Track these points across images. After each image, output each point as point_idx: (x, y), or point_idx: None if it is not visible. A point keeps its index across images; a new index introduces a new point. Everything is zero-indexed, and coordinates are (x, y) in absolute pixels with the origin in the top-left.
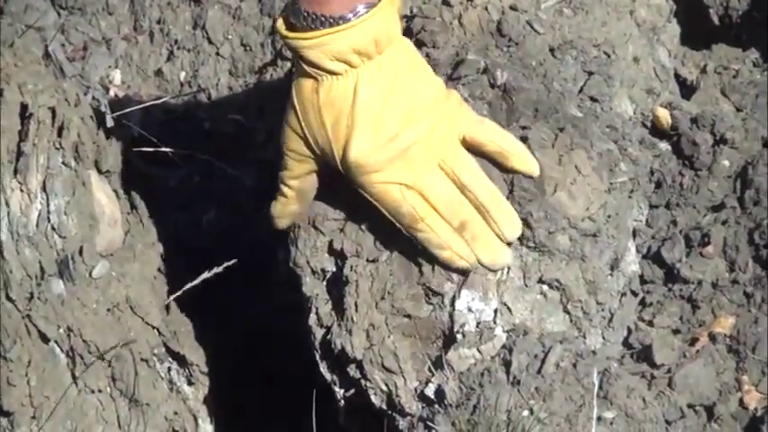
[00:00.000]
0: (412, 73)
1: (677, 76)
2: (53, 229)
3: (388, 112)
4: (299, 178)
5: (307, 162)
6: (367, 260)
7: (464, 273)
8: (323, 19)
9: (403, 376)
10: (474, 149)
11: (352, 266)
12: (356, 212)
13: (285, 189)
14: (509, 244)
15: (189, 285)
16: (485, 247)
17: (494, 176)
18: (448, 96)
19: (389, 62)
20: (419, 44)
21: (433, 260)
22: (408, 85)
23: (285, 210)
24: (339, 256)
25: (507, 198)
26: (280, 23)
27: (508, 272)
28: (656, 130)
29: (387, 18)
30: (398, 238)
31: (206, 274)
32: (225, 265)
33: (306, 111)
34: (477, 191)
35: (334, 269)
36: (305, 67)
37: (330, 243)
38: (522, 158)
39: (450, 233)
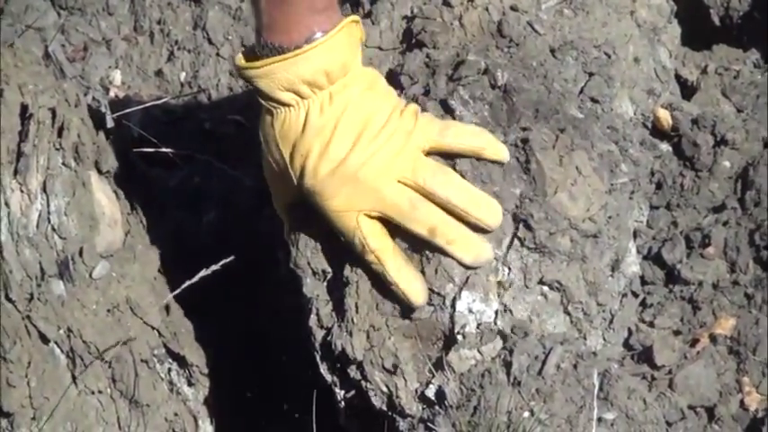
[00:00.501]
0: (364, 100)
1: (678, 76)
2: (53, 229)
3: (336, 139)
4: (287, 205)
5: (286, 191)
6: None
7: (465, 274)
8: (280, 49)
9: (403, 377)
10: (446, 155)
11: (352, 267)
12: None
13: (282, 216)
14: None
15: (188, 283)
16: (463, 247)
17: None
18: (402, 114)
19: (341, 93)
20: (419, 45)
21: (435, 257)
22: (359, 112)
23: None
24: (339, 257)
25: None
26: (239, 57)
27: (509, 273)
28: (657, 131)
29: (339, 48)
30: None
31: (204, 272)
32: (222, 262)
33: (268, 143)
34: (447, 194)
35: (335, 270)
36: (260, 100)
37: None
38: (493, 150)
39: (403, 268)
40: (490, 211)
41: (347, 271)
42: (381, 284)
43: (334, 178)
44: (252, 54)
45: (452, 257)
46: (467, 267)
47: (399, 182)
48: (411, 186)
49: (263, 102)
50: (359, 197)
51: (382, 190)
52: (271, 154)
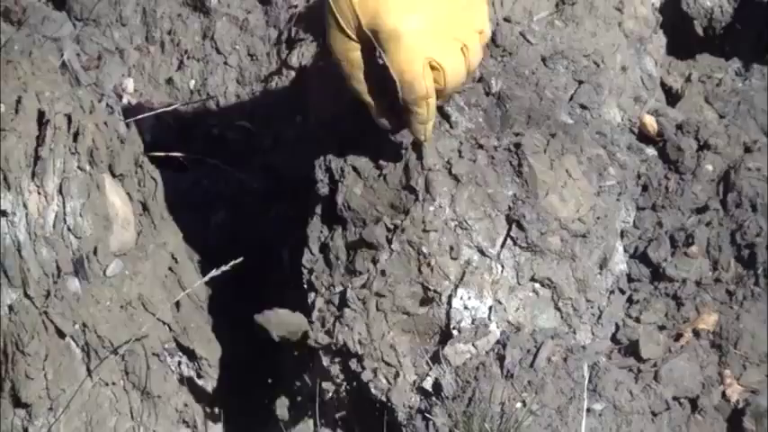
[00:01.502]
0: None
1: (663, 84)
2: (69, 229)
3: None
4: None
5: (347, 44)
6: (370, 260)
7: (460, 272)
8: None
9: (402, 370)
10: None
11: (354, 267)
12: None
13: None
14: None
15: (198, 283)
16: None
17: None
18: None
19: None
20: None
21: (432, 257)
22: None
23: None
24: (343, 255)
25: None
26: None
27: (502, 271)
28: (643, 136)
29: None
30: (398, 237)
31: (214, 272)
32: (232, 263)
33: (342, 10)
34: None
35: (340, 270)
36: None
37: (343, 242)
38: None
39: (432, 114)
40: None
41: (350, 269)
42: (382, 281)
43: (413, 21)
44: None
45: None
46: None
47: (461, 50)
48: (465, 57)
49: None
50: (430, 47)
51: (449, 51)
52: (345, 19)
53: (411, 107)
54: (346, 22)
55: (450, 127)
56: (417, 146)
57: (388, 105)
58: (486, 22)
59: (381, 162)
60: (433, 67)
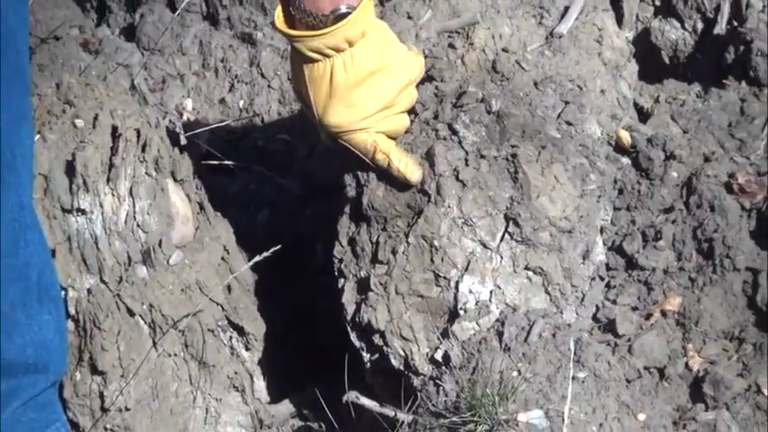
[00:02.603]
0: (379, 58)
1: (636, 104)
2: (138, 226)
3: (356, 93)
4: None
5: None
6: (391, 252)
7: (466, 262)
8: (310, 14)
9: (417, 344)
10: None
11: (377, 257)
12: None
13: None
14: None
15: (245, 267)
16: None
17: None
18: (411, 61)
19: (361, 53)
20: (430, 78)
21: (442, 248)
22: (376, 73)
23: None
24: (367, 247)
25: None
26: (278, 14)
27: (501, 261)
28: (619, 148)
29: (360, 20)
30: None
31: (258, 257)
32: (272, 250)
33: (297, 80)
34: None
35: (365, 259)
36: (293, 51)
37: (368, 236)
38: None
39: (403, 157)
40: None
41: (373, 259)
42: (400, 269)
43: (351, 122)
44: (287, 10)
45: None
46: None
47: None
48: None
49: (294, 53)
50: (371, 126)
51: (392, 120)
52: (298, 86)
53: (376, 163)
54: (302, 97)
55: (458, 140)
56: (430, 156)
57: None
58: (415, 70)
59: None
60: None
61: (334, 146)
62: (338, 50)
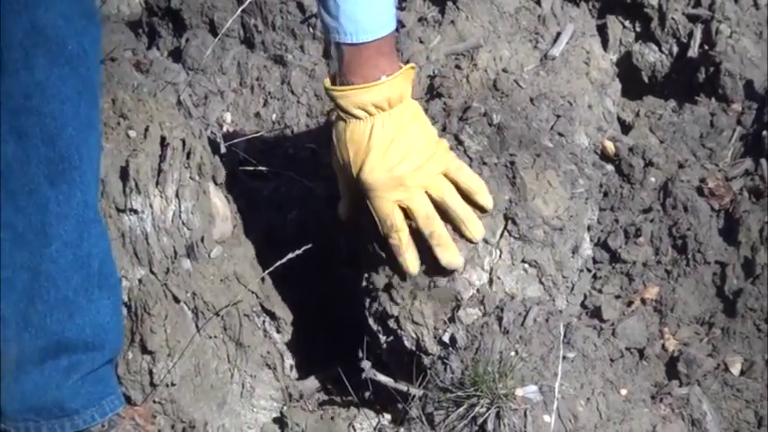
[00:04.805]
0: (413, 123)
1: (619, 118)
2: (183, 223)
3: (392, 148)
4: (344, 190)
5: (345, 178)
6: None
7: (470, 255)
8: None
9: (427, 328)
10: (451, 182)
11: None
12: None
13: (342, 194)
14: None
15: (279, 263)
16: (445, 251)
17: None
18: (438, 143)
19: (398, 115)
20: (438, 95)
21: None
22: (410, 132)
23: (343, 209)
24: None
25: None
26: (326, 80)
27: (500, 255)
28: (604, 156)
29: (399, 85)
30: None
31: (291, 255)
32: (303, 248)
33: (339, 142)
34: (455, 208)
35: (381, 254)
36: (339, 112)
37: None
38: (482, 196)
39: (410, 246)
40: (477, 229)
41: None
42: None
43: (385, 176)
44: (334, 81)
45: (435, 255)
46: (443, 268)
47: (426, 192)
48: (431, 196)
49: (340, 113)
50: (399, 192)
51: (416, 193)
52: (339, 150)
53: (388, 238)
54: (342, 160)
55: (464, 149)
56: None
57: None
58: (447, 162)
59: None
60: (403, 208)
61: (355, 213)
62: (380, 109)
